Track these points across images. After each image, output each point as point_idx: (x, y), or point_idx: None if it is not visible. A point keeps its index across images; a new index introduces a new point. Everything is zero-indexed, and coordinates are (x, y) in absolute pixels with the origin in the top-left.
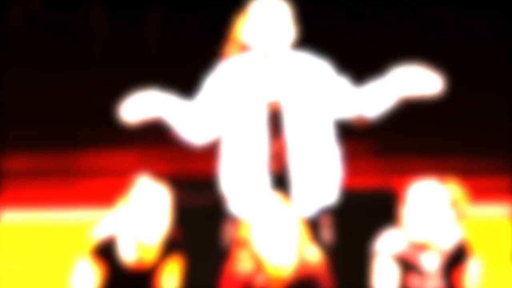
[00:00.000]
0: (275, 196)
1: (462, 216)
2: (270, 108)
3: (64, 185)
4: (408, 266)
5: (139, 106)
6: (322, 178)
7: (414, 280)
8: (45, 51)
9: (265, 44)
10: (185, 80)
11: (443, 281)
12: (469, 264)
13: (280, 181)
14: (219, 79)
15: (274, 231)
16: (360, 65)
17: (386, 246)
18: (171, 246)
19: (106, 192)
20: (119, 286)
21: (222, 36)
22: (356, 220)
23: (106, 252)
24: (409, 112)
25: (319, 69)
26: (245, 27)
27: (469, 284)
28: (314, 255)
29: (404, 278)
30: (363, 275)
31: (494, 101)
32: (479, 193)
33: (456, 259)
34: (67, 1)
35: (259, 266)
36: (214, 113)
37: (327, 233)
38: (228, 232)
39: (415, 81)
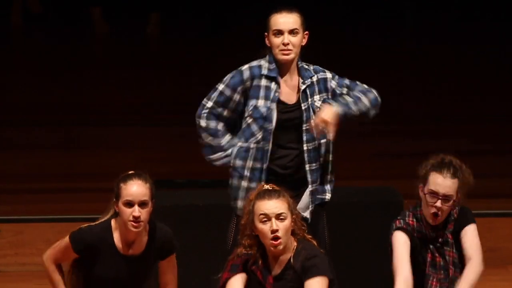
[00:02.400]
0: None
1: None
2: None
3: (63, 187)
4: (421, 240)
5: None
6: (323, 176)
7: (426, 253)
8: (45, 51)
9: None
10: (184, 80)
11: (454, 251)
12: (470, 229)
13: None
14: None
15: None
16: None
17: (400, 223)
18: (166, 245)
19: (105, 194)
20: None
21: (221, 37)
22: (357, 218)
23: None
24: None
25: (322, 75)
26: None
27: (474, 247)
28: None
29: (419, 252)
30: (362, 273)
31: (492, 103)
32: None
33: (458, 228)
34: (67, 1)
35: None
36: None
37: (325, 231)
38: (232, 229)
39: None
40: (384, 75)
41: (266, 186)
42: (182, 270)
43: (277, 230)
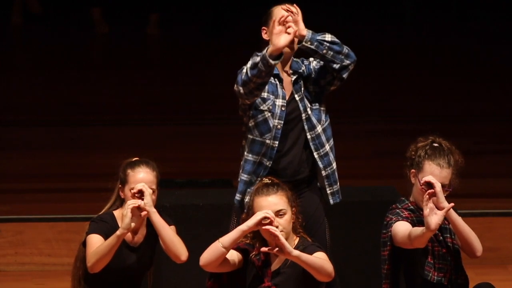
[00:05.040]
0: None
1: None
2: None
3: (63, 187)
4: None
5: None
6: (325, 175)
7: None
8: (45, 51)
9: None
10: (184, 80)
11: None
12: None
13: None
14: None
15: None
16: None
17: (398, 219)
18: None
19: (105, 194)
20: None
21: (221, 37)
22: (357, 218)
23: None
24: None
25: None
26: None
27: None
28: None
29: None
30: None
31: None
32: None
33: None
34: (67, 1)
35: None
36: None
37: (327, 231)
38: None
39: None
40: (384, 74)
41: (265, 180)
42: (182, 270)
43: (277, 227)
